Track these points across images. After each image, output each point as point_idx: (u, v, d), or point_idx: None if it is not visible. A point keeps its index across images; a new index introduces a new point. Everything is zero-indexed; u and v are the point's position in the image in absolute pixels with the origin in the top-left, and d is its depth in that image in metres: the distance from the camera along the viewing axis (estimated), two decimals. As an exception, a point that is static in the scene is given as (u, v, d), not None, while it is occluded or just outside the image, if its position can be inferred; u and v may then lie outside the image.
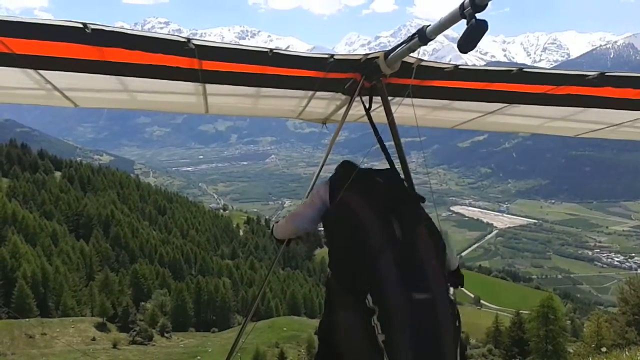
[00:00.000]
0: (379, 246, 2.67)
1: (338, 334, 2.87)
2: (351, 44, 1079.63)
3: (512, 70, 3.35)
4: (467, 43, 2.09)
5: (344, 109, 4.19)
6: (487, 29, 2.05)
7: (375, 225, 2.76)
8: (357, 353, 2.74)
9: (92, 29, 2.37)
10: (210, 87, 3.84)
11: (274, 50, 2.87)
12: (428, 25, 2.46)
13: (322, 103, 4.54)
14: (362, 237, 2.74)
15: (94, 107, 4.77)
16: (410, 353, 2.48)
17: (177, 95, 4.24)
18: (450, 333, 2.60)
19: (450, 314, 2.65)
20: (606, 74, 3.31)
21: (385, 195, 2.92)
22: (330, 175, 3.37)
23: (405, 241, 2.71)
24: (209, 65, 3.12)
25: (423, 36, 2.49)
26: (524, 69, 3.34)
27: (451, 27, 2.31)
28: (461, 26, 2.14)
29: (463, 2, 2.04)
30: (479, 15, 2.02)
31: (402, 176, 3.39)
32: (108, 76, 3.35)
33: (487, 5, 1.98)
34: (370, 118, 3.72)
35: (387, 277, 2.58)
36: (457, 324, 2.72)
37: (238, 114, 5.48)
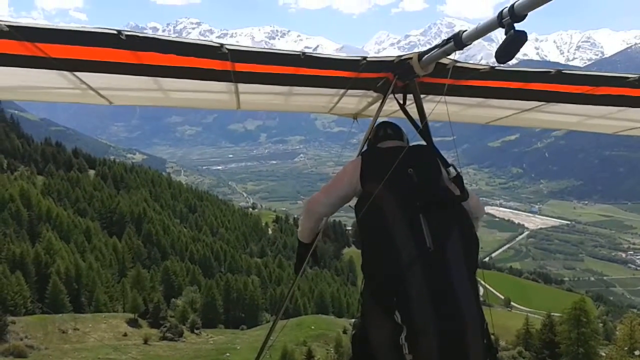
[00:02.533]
0: (408, 259, 2.58)
1: (369, 346, 2.80)
2: (380, 43, 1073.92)
3: (550, 72, 3.30)
4: (505, 54, 2.07)
5: (375, 105, 4.17)
6: (526, 40, 2.03)
7: (404, 232, 2.66)
8: None
9: (127, 36, 2.40)
10: (243, 86, 3.87)
11: (306, 54, 2.88)
12: (465, 31, 2.45)
13: (354, 100, 4.54)
14: (390, 246, 2.65)
15: (128, 104, 4.85)
16: None
17: (210, 93, 4.28)
18: (480, 354, 2.54)
19: (480, 332, 2.56)
20: None
21: (417, 194, 2.81)
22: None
23: (436, 252, 2.60)
24: (242, 67, 3.13)
25: (459, 42, 2.47)
26: (563, 71, 3.29)
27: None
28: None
29: (502, 11, 2.02)
30: (517, 26, 1.99)
31: (442, 157, 3.21)
32: (143, 77, 3.41)
33: (526, 16, 1.96)
34: (406, 112, 3.66)
35: (416, 296, 2.51)
36: (485, 341, 2.62)
37: (269, 109, 5.52)
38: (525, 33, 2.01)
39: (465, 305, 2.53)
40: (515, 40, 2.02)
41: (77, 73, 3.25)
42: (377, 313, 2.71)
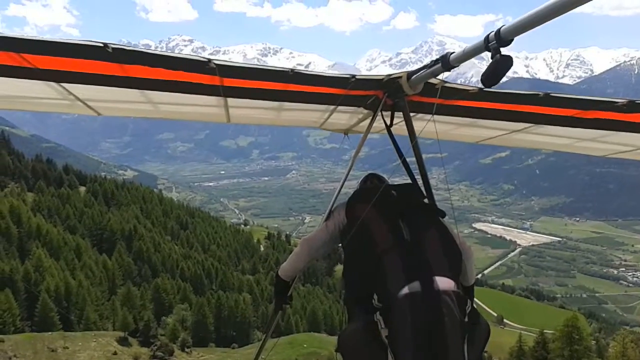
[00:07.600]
0: (385, 246, 2.76)
1: (346, 345, 2.84)
2: (372, 61, 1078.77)
3: (539, 94, 3.33)
4: (491, 78, 2.11)
5: (365, 122, 4.18)
6: (512, 65, 2.06)
7: (382, 228, 2.86)
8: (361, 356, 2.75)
9: (113, 48, 2.38)
10: (232, 100, 3.85)
11: (295, 70, 2.88)
12: (452, 52, 2.50)
13: (345, 116, 4.55)
14: (368, 240, 2.85)
15: (117, 115, 4.83)
16: (412, 344, 2.48)
17: (199, 107, 4.26)
18: (456, 325, 2.55)
19: (456, 307, 2.59)
20: (637, 102, 3.29)
21: (396, 204, 3.00)
22: (352, 191, 3.41)
23: (413, 241, 2.78)
24: (231, 82, 3.13)
25: (447, 63, 2.52)
26: (552, 94, 3.31)
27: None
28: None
29: (488, 35, 2.03)
30: (504, 50, 2.01)
31: (422, 190, 3.42)
32: (130, 89, 3.38)
33: (512, 40, 1.97)
34: (391, 135, 3.71)
35: (391, 274, 2.65)
36: (465, 318, 2.65)
37: (260, 124, 5.54)
38: (511, 58, 2.03)
39: (439, 276, 2.64)
40: (501, 65, 2.04)
41: (63, 84, 3.23)
42: (359, 313, 2.84)
